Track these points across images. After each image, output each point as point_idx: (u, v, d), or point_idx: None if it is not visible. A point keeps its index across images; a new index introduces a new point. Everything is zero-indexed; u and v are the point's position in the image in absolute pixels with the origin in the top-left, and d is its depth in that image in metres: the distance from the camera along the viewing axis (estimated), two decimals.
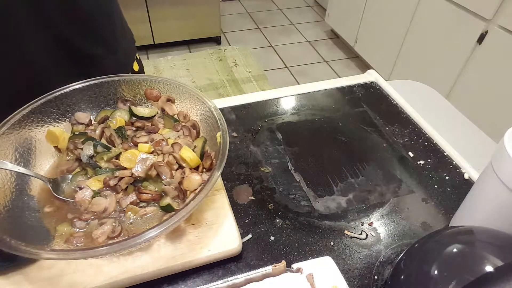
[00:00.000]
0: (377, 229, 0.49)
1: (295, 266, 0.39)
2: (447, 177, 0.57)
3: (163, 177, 0.45)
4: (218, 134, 0.46)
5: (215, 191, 0.50)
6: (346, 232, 0.49)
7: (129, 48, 0.70)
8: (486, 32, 1.43)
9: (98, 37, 0.60)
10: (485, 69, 1.47)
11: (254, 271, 0.38)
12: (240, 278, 0.38)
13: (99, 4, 0.58)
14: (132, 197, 0.45)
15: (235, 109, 0.69)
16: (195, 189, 0.43)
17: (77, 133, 0.50)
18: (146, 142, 0.49)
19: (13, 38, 0.50)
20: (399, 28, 1.90)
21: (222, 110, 0.66)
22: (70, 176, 0.47)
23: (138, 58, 0.73)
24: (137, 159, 0.45)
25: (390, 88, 0.75)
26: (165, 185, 0.45)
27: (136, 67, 0.71)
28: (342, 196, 0.54)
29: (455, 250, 0.35)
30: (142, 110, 0.53)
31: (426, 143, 0.63)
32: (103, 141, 0.49)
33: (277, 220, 0.50)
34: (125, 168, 0.46)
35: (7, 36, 0.50)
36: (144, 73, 0.76)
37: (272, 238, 0.48)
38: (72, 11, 0.54)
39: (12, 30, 0.50)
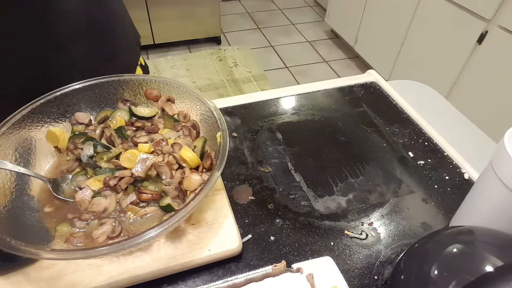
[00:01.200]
0: (377, 229, 0.49)
1: (295, 266, 0.39)
2: (447, 177, 0.57)
3: (163, 177, 0.45)
4: (218, 134, 0.46)
5: (215, 191, 0.50)
6: (346, 232, 0.49)
7: (131, 55, 0.69)
8: (486, 32, 1.43)
9: (97, 46, 0.59)
10: (485, 69, 1.47)
11: (254, 271, 0.38)
12: (240, 278, 0.38)
13: (98, 12, 0.57)
14: (132, 197, 0.45)
15: (235, 109, 0.69)
16: (195, 189, 0.43)
17: (77, 133, 0.50)
18: (146, 142, 0.49)
19: (11, 43, 0.50)
20: (399, 28, 1.90)
21: (222, 110, 0.66)
22: (70, 176, 0.47)
23: (143, 63, 0.72)
24: (137, 159, 0.45)
25: (390, 88, 0.75)
26: (165, 185, 0.45)
27: (139, 72, 0.71)
28: (342, 196, 0.54)
29: (455, 250, 0.35)
30: (142, 110, 0.53)
31: (426, 143, 0.63)
32: (103, 141, 0.49)
33: (277, 220, 0.50)
34: (125, 168, 0.46)
35: (6, 40, 0.50)
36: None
37: (272, 238, 0.48)
38: (67, 19, 0.54)
39: (10, 35, 0.49)
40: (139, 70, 0.70)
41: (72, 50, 0.56)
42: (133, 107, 0.53)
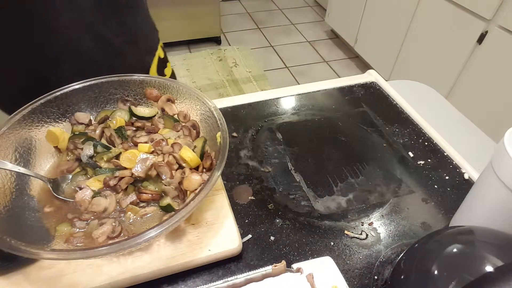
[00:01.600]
0: (377, 229, 0.49)
1: (295, 266, 0.39)
2: (447, 177, 0.57)
3: (163, 177, 0.45)
4: (218, 134, 0.46)
5: (215, 191, 0.50)
6: (346, 232, 0.49)
7: (153, 35, 0.70)
8: (486, 32, 1.43)
9: (124, 26, 0.60)
10: (485, 69, 1.47)
11: (254, 271, 0.38)
12: (240, 278, 0.38)
13: None
14: (132, 197, 0.45)
15: (235, 109, 0.69)
16: (195, 189, 0.43)
17: (77, 133, 0.50)
18: (146, 142, 0.49)
19: (51, 26, 0.50)
20: (399, 28, 1.90)
21: (222, 110, 0.66)
22: (70, 176, 0.47)
23: (162, 45, 0.74)
24: (137, 159, 0.45)
25: (390, 88, 0.75)
26: (165, 185, 0.45)
27: (161, 53, 0.71)
28: (342, 196, 0.54)
29: (455, 250, 0.35)
30: (142, 110, 0.53)
31: (426, 143, 0.63)
32: (103, 141, 0.49)
33: (277, 220, 0.50)
34: (125, 168, 0.46)
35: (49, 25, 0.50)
36: (168, 61, 0.76)
37: (272, 238, 0.48)
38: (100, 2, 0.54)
39: (50, 17, 0.50)
40: (160, 50, 0.71)
41: (101, 32, 0.56)
42: (133, 107, 0.53)
